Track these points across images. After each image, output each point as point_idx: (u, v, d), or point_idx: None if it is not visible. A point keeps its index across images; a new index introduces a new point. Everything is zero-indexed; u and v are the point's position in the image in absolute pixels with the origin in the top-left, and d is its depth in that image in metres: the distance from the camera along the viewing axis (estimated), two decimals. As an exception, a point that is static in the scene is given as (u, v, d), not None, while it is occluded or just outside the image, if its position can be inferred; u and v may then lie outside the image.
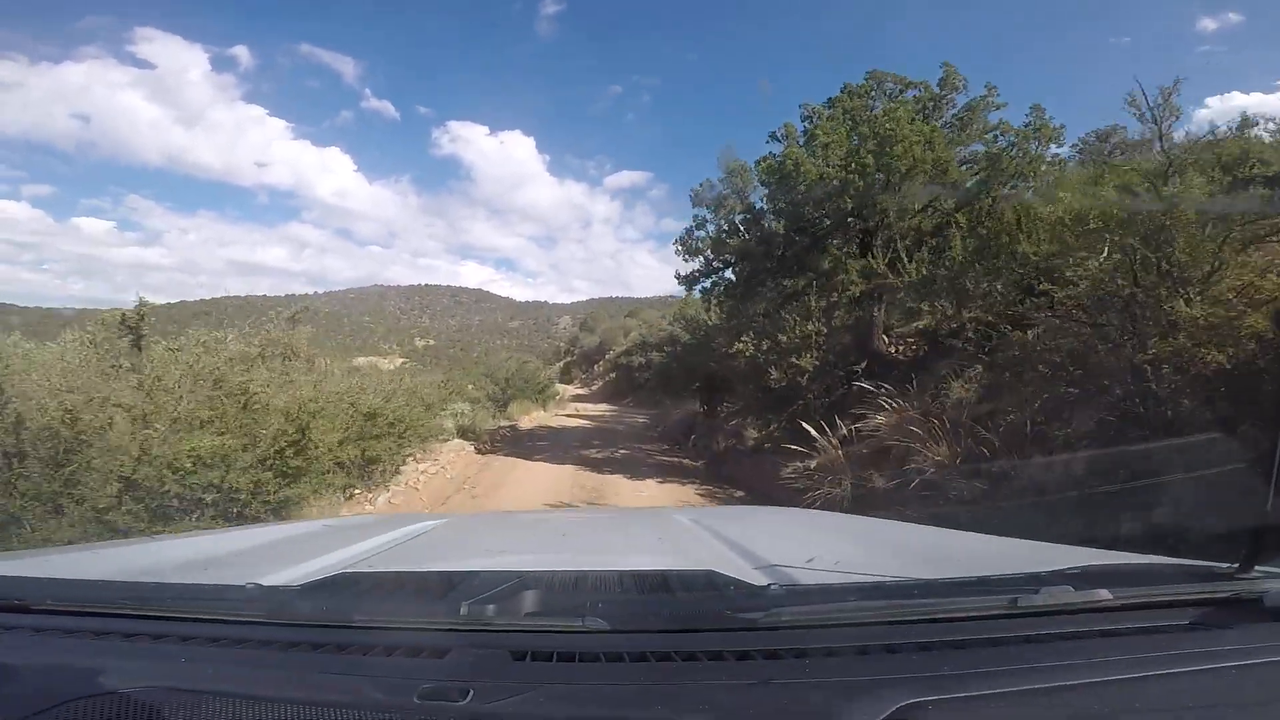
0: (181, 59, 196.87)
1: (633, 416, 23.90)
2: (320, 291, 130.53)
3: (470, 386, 23.62)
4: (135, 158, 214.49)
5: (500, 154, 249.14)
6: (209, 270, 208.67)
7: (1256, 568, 0.80)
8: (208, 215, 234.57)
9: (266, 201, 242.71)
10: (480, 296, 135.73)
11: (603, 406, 31.14)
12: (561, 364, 51.39)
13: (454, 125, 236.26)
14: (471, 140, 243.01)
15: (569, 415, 22.93)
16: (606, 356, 42.26)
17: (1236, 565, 0.81)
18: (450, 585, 0.86)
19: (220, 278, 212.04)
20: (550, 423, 19.32)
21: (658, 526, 1.73)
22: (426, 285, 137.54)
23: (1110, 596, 0.78)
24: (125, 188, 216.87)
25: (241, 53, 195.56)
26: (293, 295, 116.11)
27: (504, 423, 17.62)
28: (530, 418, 19.78)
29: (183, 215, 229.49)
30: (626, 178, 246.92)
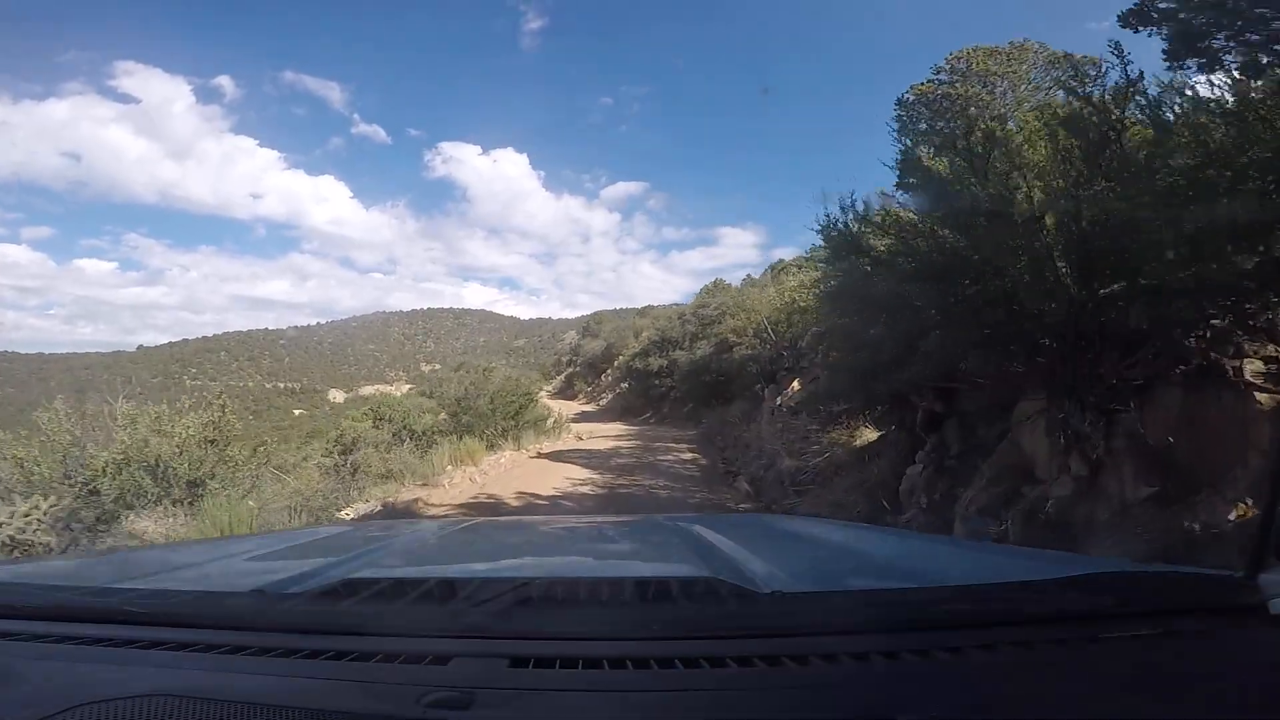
0: (165, 91, 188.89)
1: (669, 447, 13.79)
2: (323, 322, 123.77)
3: (438, 415, 14.39)
4: (129, 195, 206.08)
5: (494, 172, 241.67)
6: (213, 307, 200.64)
7: (1262, 575, 0.74)
8: (207, 251, 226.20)
9: (264, 234, 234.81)
10: (484, 317, 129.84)
11: (616, 428, 21.18)
12: (563, 376, 41.53)
13: (445, 146, 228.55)
14: (464, 160, 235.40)
15: (561, 453, 12.85)
16: (615, 363, 32.36)
17: (1242, 573, 0.76)
18: (453, 592, 0.81)
19: (224, 314, 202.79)
20: (510, 484, 8.76)
21: (660, 534, 1.59)
22: (429, 309, 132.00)
23: (1112, 603, 0.76)
24: (122, 226, 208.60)
25: (225, 83, 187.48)
26: (296, 327, 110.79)
27: (402, 496, 7.70)
28: (476, 472, 9.80)
29: (182, 252, 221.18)
30: (623, 189, 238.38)
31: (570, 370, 41.27)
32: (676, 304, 28.90)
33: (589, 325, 43.81)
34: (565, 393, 38.37)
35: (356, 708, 0.60)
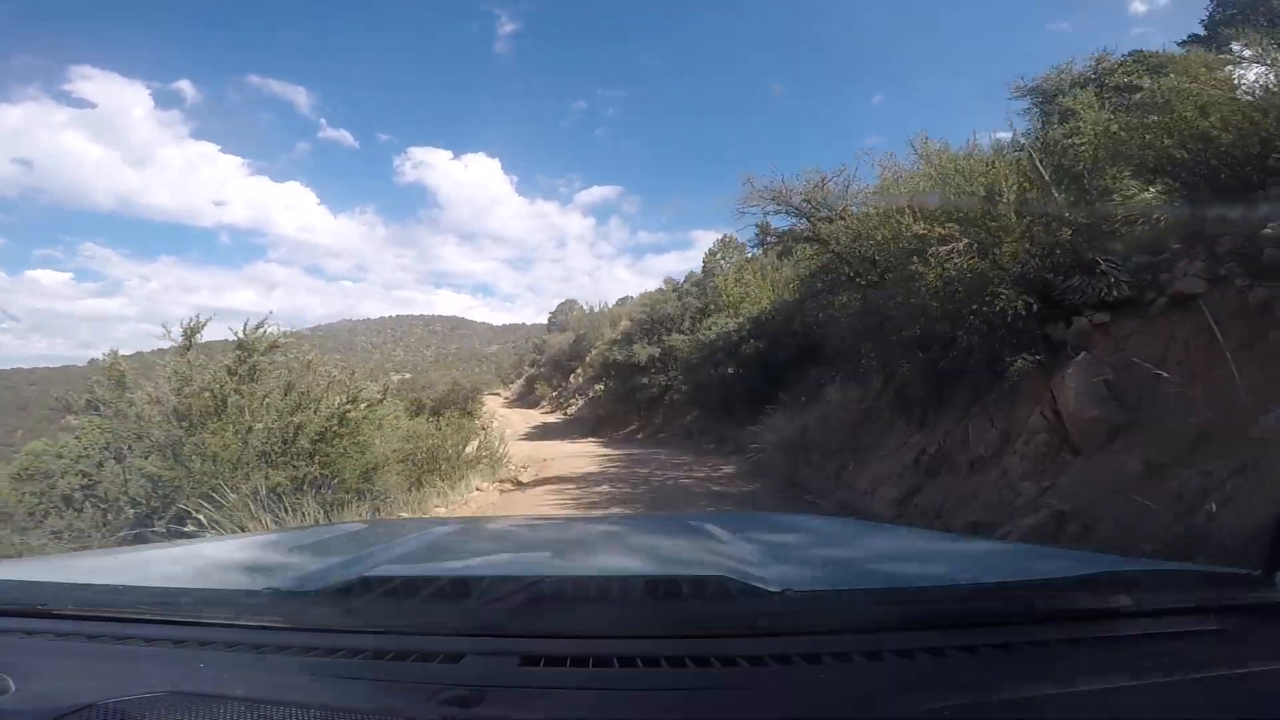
0: (123, 97, 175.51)
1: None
2: (285, 330, 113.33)
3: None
4: (85, 203, 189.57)
5: (466, 177, 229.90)
6: (175, 319, 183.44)
7: (1278, 573, 0.72)
8: (168, 260, 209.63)
9: (229, 242, 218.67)
10: (456, 324, 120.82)
11: (586, 454, 12.57)
12: (523, 379, 32.58)
13: (415, 151, 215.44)
14: (435, 165, 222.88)
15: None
16: (587, 359, 23.68)
17: (1259, 571, 0.74)
18: (465, 590, 0.82)
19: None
20: None
21: (672, 532, 1.53)
22: (398, 316, 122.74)
23: (1129, 602, 0.73)
24: (78, 235, 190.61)
25: (186, 88, 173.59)
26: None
27: None
28: None
29: (142, 262, 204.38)
30: (598, 193, 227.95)
31: (532, 371, 32.29)
32: (672, 277, 20.30)
33: (555, 315, 34.83)
34: (525, 399, 29.54)
35: (369, 705, 0.59)
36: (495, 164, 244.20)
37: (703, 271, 18.24)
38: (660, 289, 18.98)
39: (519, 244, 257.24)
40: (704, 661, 0.62)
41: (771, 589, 0.76)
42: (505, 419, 25.39)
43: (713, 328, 13.36)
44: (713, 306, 15.55)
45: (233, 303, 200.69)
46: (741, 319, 12.36)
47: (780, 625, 0.69)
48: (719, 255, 17.80)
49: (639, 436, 17.10)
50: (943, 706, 0.54)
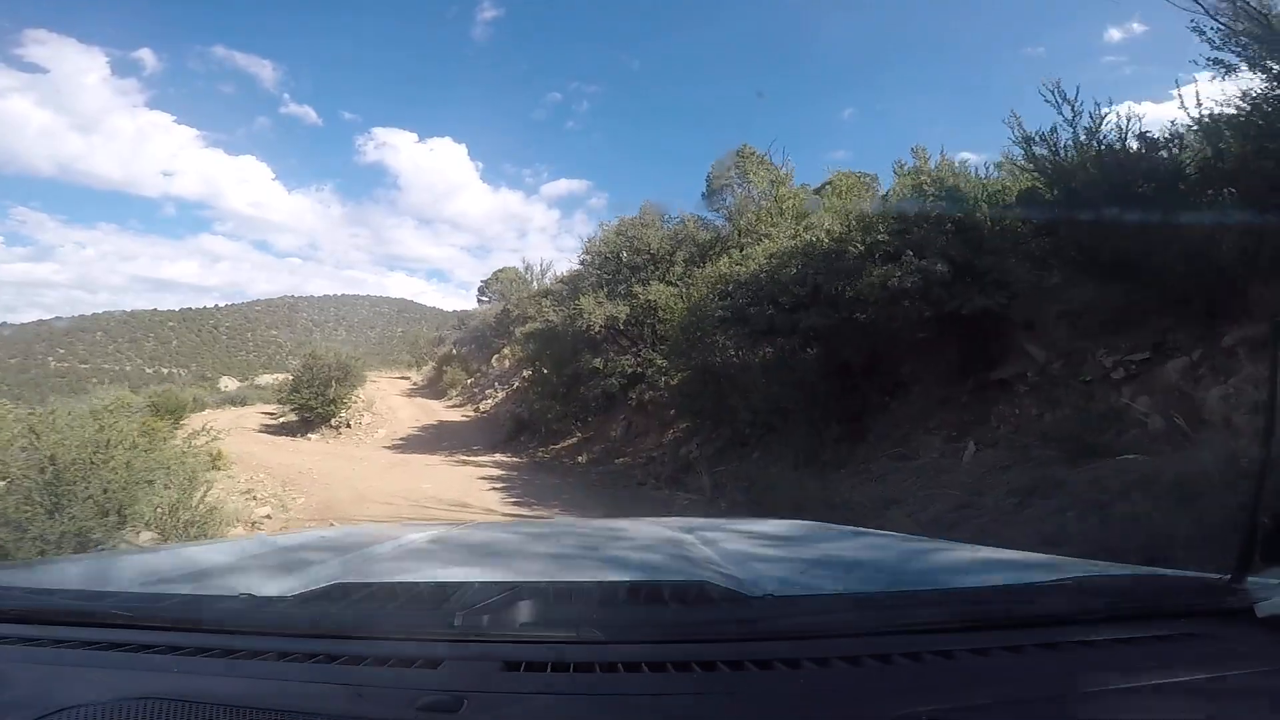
0: (77, 62, 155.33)
1: None
2: (221, 304, 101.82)
3: None
4: (23, 167, 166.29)
5: (429, 161, 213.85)
6: (110, 286, 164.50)
7: (1249, 579, 0.72)
8: (107, 228, 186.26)
9: (174, 213, 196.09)
10: (404, 306, 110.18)
11: (464, 504, 4.54)
12: (435, 362, 24.26)
13: (379, 131, 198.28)
14: (398, 147, 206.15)
15: None
16: (517, 333, 15.83)
17: (1229, 576, 0.73)
18: (444, 596, 0.78)
19: (123, 294, 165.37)
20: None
21: (652, 538, 1.41)
22: (343, 295, 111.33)
23: (1102, 607, 0.73)
24: (12, 199, 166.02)
25: (146, 56, 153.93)
26: (189, 310, 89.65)
27: None
28: None
29: (79, 228, 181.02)
30: (565, 185, 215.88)
31: (447, 350, 24.04)
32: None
33: (487, 285, 26.59)
34: (434, 387, 21.39)
35: (347, 711, 0.57)
36: (461, 149, 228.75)
37: (706, 193, 11.00)
38: (638, 215, 11.56)
39: (479, 232, 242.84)
40: (685, 666, 0.61)
41: (752, 593, 0.76)
42: (391, 413, 17.19)
43: (758, 247, 5.96)
44: (739, 235, 8.24)
45: (173, 274, 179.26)
46: (851, 220, 5.05)
47: (761, 630, 0.68)
48: (733, 170, 10.66)
49: (580, 460, 9.58)
50: (920, 711, 0.54)
